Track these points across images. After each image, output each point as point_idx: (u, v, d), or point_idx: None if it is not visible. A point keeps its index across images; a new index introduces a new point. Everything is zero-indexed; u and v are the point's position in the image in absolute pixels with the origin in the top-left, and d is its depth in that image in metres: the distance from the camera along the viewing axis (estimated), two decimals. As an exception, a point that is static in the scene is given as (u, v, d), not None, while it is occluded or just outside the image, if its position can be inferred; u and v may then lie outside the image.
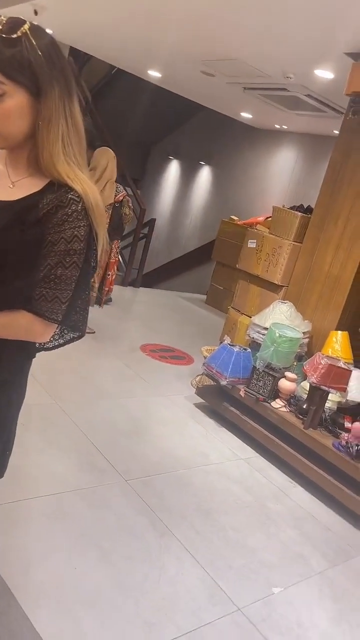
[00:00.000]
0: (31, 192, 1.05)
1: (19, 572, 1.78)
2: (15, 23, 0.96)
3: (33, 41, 0.97)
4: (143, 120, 8.82)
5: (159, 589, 1.89)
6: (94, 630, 1.65)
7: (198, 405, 3.54)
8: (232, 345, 3.32)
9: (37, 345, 1.17)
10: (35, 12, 4.25)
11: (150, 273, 8.63)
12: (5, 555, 1.62)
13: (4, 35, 0.95)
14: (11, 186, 1.07)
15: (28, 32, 0.97)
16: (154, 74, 5.85)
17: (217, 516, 2.40)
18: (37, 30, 0.99)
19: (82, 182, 1.04)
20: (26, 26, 0.97)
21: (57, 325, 1.09)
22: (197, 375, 3.70)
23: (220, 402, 3.36)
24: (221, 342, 3.83)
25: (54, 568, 1.85)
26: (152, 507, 2.33)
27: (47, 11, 4.44)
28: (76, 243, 1.03)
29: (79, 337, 1.15)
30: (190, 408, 3.50)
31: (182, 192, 9.57)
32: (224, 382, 3.20)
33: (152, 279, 8.60)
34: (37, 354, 1.20)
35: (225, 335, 3.91)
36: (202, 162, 9.10)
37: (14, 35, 0.96)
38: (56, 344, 1.16)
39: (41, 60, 0.98)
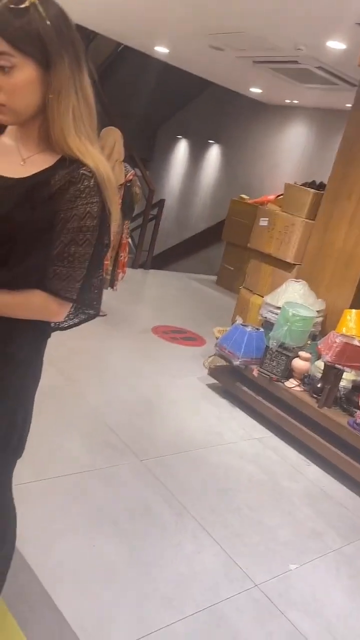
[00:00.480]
0: (42, 169, 1.03)
1: (38, 550, 1.80)
2: None
3: (42, 11, 0.94)
4: (150, 99, 8.68)
5: (176, 566, 1.91)
6: (113, 606, 1.68)
7: (211, 386, 3.54)
8: (245, 325, 3.30)
9: (52, 324, 1.16)
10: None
11: (160, 255, 8.58)
12: (24, 534, 1.64)
13: (12, 6, 0.92)
14: (22, 163, 1.05)
15: (37, 2, 0.94)
16: (161, 50, 5.73)
17: (233, 495, 2.42)
18: (46, 0, 0.95)
19: (93, 156, 1.02)
20: None
21: (71, 304, 1.08)
22: (210, 356, 3.70)
23: (233, 382, 3.36)
24: (233, 323, 3.81)
25: (72, 546, 1.88)
26: (168, 486, 2.34)
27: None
28: (89, 219, 1.01)
29: (94, 316, 1.14)
30: (203, 388, 3.50)
31: (191, 172, 9.46)
32: (236, 362, 3.19)
33: (162, 261, 8.56)
34: (52, 335, 1.19)
35: (237, 316, 3.89)
36: (211, 141, 8.96)
37: (23, 5, 0.93)
38: (71, 323, 1.15)
39: (50, 31, 0.95)
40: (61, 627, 1.56)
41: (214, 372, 3.52)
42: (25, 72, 0.96)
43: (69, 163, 1.01)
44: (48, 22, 0.95)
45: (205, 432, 2.94)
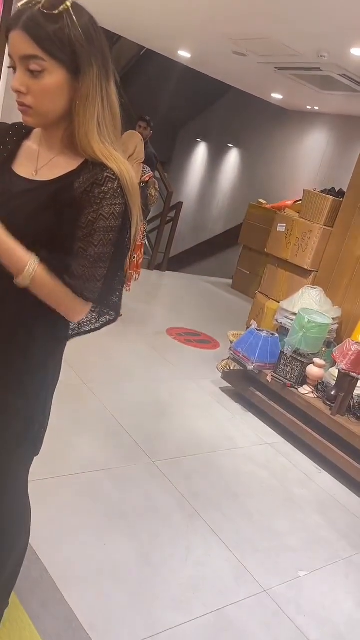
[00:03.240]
0: (67, 172, 1.05)
1: (50, 546, 1.83)
2: (56, 0, 0.95)
3: (74, 18, 0.96)
4: (171, 103, 8.73)
5: (186, 568, 1.92)
6: (123, 604, 1.69)
7: (224, 390, 3.54)
8: (260, 330, 3.31)
9: (71, 330, 1.19)
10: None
11: (177, 257, 8.60)
12: (37, 530, 1.66)
13: (45, 11, 0.94)
14: (46, 166, 1.07)
15: (70, 8, 0.96)
16: (184, 55, 5.77)
17: (243, 499, 2.42)
18: (77, 7, 0.97)
19: (117, 160, 1.04)
20: (68, 3, 0.95)
21: (92, 304, 1.09)
22: (223, 360, 3.70)
23: (246, 386, 3.36)
24: (248, 327, 3.82)
25: (84, 543, 1.90)
26: (179, 489, 2.35)
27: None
28: (112, 220, 1.02)
29: (114, 320, 1.16)
30: (216, 392, 3.51)
31: (210, 175, 9.47)
32: (250, 367, 3.20)
33: (178, 263, 8.58)
34: None
35: (252, 320, 3.89)
36: (231, 145, 8.97)
37: (56, 12, 0.94)
38: (92, 327, 1.17)
39: (81, 38, 0.97)
40: (71, 623, 1.58)
41: (227, 375, 3.52)
42: (55, 77, 0.98)
43: (92, 167, 1.03)
44: (80, 29, 0.96)
45: (217, 435, 2.95)
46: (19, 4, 0.97)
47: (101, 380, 3.21)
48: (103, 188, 1.01)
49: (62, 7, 0.95)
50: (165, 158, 9.71)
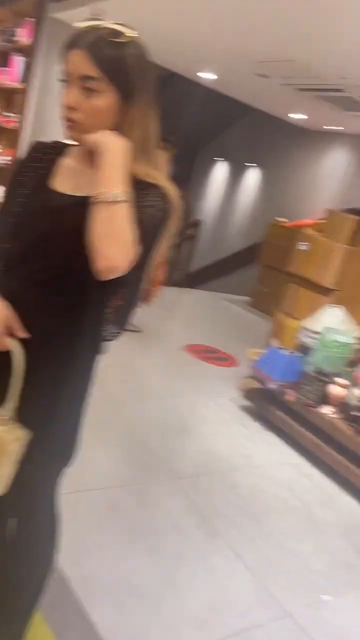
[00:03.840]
0: None
1: (73, 561, 1.82)
2: (121, 29, 1.02)
3: (134, 49, 1.03)
4: (191, 122, 8.84)
5: (208, 588, 1.90)
6: (145, 623, 1.68)
7: (243, 408, 3.53)
8: (282, 349, 3.30)
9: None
10: (94, 16, 4.33)
11: (195, 273, 8.64)
12: (60, 544, 1.67)
13: (110, 38, 1.01)
14: (87, 182, 1.10)
15: (132, 39, 1.03)
16: (206, 77, 5.87)
17: (265, 520, 2.39)
18: (137, 39, 1.04)
19: (160, 180, 1.07)
20: (130, 33, 1.02)
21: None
22: (243, 378, 3.69)
23: (267, 405, 3.34)
24: (267, 345, 3.81)
25: (107, 559, 1.90)
26: (200, 507, 2.34)
27: (105, 14, 4.52)
28: (152, 229, 1.05)
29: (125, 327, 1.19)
30: (235, 410, 3.49)
31: (229, 194, 9.54)
32: (272, 386, 3.18)
33: (197, 280, 8.62)
34: None
35: (273, 339, 3.88)
36: (250, 164, 9.05)
37: (119, 40, 1.01)
38: (114, 335, 1.19)
39: (137, 68, 1.04)
40: (94, 640, 1.57)
41: (247, 394, 3.51)
42: (106, 98, 1.03)
43: (136, 184, 1.06)
44: (137, 60, 1.04)
45: (238, 454, 2.93)
46: (81, 26, 1.03)
47: (121, 395, 3.22)
48: (146, 202, 1.04)
49: (125, 37, 1.02)
50: (184, 176, 9.82)
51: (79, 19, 1.06)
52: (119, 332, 1.19)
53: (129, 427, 2.86)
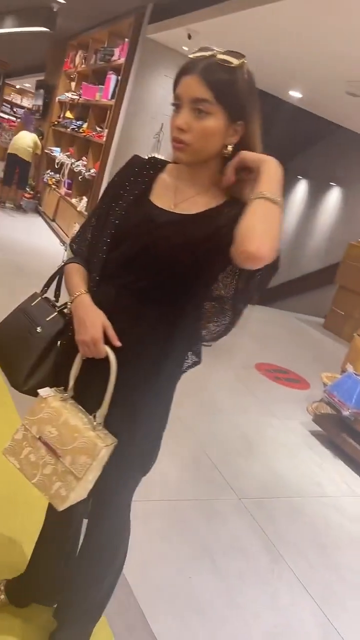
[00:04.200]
0: (211, 207, 1.11)
1: (137, 570, 1.84)
2: (233, 55, 1.06)
3: (244, 74, 1.07)
4: (275, 140, 8.78)
5: (271, 614, 1.85)
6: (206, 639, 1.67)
7: (313, 433, 3.43)
8: (358, 375, 3.19)
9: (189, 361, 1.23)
10: (189, 36, 4.47)
11: (268, 291, 8.52)
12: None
13: (222, 64, 1.05)
14: (186, 201, 1.13)
15: (243, 65, 1.06)
16: (294, 95, 5.85)
17: (332, 552, 2.31)
18: (246, 64, 1.08)
19: None
20: (242, 59, 1.06)
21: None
22: (315, 402, 3.60)
23: (339, 432, 3.23)
24: (342, 370, 3.69)
25: (170, 573, 1.90)
26: (266, 531, 2.29)
27: (199, 35, 4.64)
28: None
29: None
30: (305, 434, 3.41)
31: (308, 213, 9.39)
32: (346, 413, 3.08)
33: (269, 297, 8.51)
34: None
35: (348, 364, 3.76)
36: (333, 183, 8.87)
37: (232, 65, 1.05)
38: (214, 335, 1.23)
39: (247, 92, 1.07)
40: (155, 652, 1.58)
41: (318, 419, 3.41)
42: (217, 121, 1.06)
43: (237, 203, 1.08)
44: (247, 85, 1.07)
45: (305, 480, 2.85)
46: (193, 55, 1.09)
47: (190, 409, 3.23)
48: None
49: (236, 62, 1.05)
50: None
51: (191, 49, 1.11)
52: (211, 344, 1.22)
53: (197, 443, 2.87)
